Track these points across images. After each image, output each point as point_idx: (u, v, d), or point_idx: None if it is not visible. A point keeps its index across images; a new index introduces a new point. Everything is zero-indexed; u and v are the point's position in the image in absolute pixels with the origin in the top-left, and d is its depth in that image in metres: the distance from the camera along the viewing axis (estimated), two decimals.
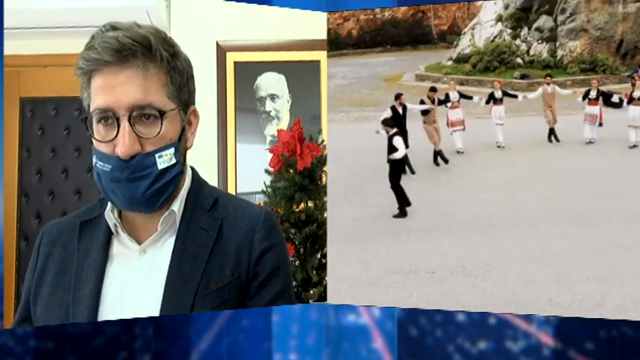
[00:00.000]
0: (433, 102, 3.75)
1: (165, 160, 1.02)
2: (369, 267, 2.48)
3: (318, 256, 2.36)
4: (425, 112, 3.73)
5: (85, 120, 1.02)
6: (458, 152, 3.80)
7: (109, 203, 1.08)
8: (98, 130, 1.01)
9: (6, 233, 3.06)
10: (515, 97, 3.94)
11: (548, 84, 3.96)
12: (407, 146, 3.51)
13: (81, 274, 1.07)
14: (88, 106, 1.03)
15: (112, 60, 0.97)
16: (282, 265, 1.14)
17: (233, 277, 1.07)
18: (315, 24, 3.03)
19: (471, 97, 3.86)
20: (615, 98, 3.78)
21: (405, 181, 3.31)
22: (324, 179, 2.49)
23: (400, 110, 3.53)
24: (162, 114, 1.01)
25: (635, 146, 3.63)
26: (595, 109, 3.78)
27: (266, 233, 1.11)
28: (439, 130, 3.72)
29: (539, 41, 5.50)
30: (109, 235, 1.09)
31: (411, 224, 2.79)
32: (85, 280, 1.06)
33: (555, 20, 5.43)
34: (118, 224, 1.08)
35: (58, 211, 3.07)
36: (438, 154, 3.68)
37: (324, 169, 2.49)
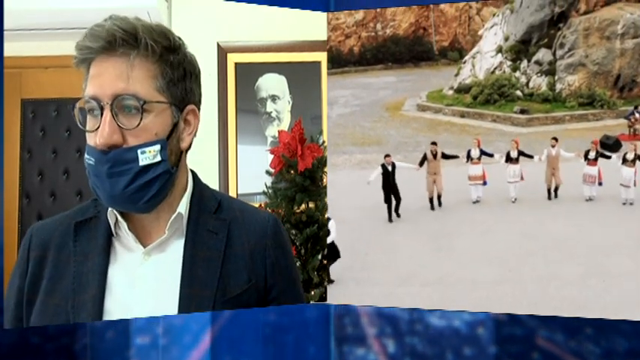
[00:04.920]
0: (435, 155, 3.93)
1: (148, 156, 0.97)
2: None
3: (319, 257, 2.37)
4: (422, 164, 3.93)
5: (80, 110, 0.99)
6: (473, 202, 3.94)
7: None
8: (88, 121, 0.98)
9: (7, 234, 3.07)
10: (531, 157, 4.00)
11: (553, 146, 3.99)
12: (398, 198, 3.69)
13: (80, 279, 1.02)
14: None
15: (102, 49, 0.95)
16: (294, 269, 1.18)
17: (250, 282, 1.07)
18: (315, 25, 3.03)
19: (492, 155, 3.97)
20: (613, 159, 3.83)
21: (405, 249, 3.20)
22: (324, 180, 2.50)
23: (389, 168, 3.70)
24: (142, 104, 0.96)
25: (631, 203, 3.67)
26: (593, 170, 3.82)
27: (278, 239, 1.13)
28: (438, 181, 3.89)
29: (539, 74, 5.53)
30: (108, 237, 1.05)
31: None
32: (85, 285, 1.01)
33: (554, 54, 5.47)
34: (123, 224, 1.04)
35: (59, 212, 3.07)
36: (430, 200, 3.89)
37: (325, 170, 2.50)
